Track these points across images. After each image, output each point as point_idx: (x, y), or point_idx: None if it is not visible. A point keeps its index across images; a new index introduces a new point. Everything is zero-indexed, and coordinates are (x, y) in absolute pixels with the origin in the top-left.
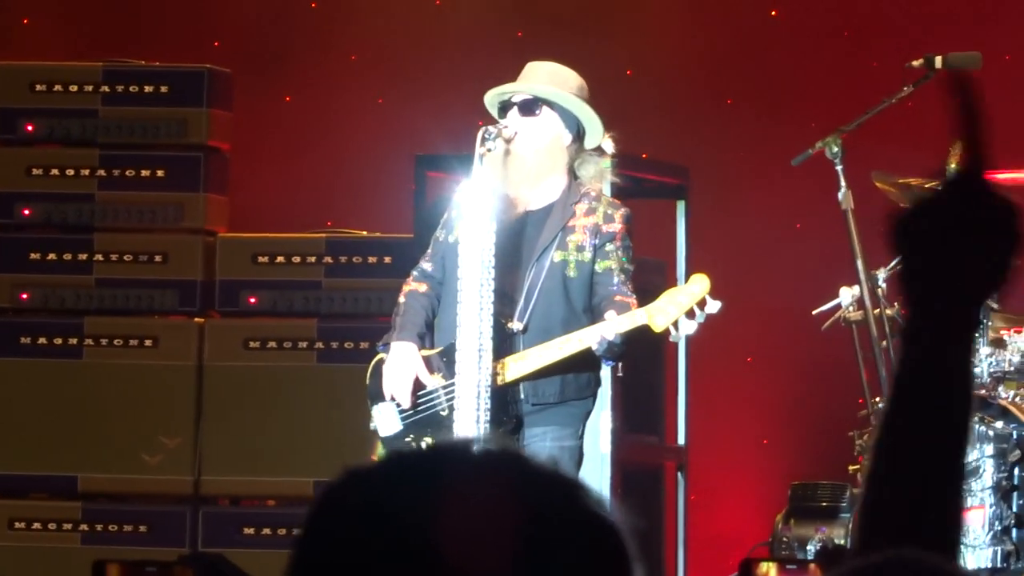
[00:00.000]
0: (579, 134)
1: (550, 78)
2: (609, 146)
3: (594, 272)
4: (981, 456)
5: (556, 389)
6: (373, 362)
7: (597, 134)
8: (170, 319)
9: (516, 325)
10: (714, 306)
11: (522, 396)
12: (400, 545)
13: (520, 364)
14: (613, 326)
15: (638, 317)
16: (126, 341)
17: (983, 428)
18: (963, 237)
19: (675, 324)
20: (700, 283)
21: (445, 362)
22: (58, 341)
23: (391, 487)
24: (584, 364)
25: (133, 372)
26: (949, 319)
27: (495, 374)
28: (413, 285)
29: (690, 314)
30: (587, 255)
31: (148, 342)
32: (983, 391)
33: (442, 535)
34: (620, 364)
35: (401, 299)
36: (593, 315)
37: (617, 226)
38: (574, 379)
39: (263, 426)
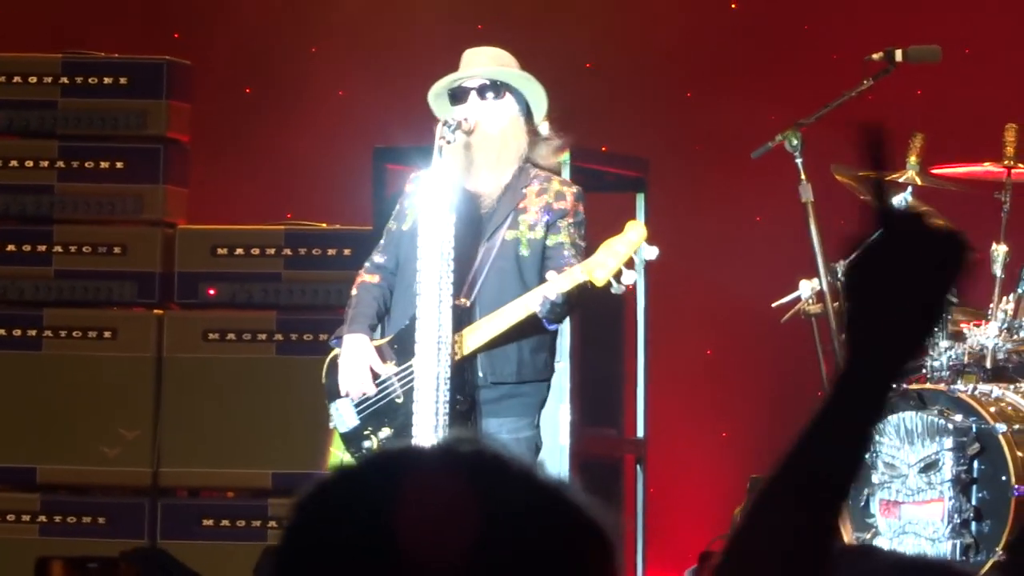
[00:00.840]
0: (529, 115)
1: (498, 60)
2: (544, 127)
3: (545, 247)
4: (940, 449)
5: (513, 368)
6: (329, 358)
7: (542, 112)
8: (129, 311)
9: (465, 302)
10: (651, 252)
11: (480, 375)
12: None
13: (474, 335)
14: (554, 286)
15: (576, 274)
16: (85, 333)
17: (942, 421)
18: (901, 285)
19: (616, 277)
20: (636, 230)
21: (396, 349)
22: (17, 333)
23: (371, 490)
24: (539, 344)
25: (92, 364)
26: (879, 376)
27: (452, 352)
28: (365, 277)
29: (629, 264)
30: (539, 232)
31: (107, 334)
32: (942, 384)
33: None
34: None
35: (353, 291)
36: None
37: (569, 203)
38: (531, 359)
39: (222, 418)
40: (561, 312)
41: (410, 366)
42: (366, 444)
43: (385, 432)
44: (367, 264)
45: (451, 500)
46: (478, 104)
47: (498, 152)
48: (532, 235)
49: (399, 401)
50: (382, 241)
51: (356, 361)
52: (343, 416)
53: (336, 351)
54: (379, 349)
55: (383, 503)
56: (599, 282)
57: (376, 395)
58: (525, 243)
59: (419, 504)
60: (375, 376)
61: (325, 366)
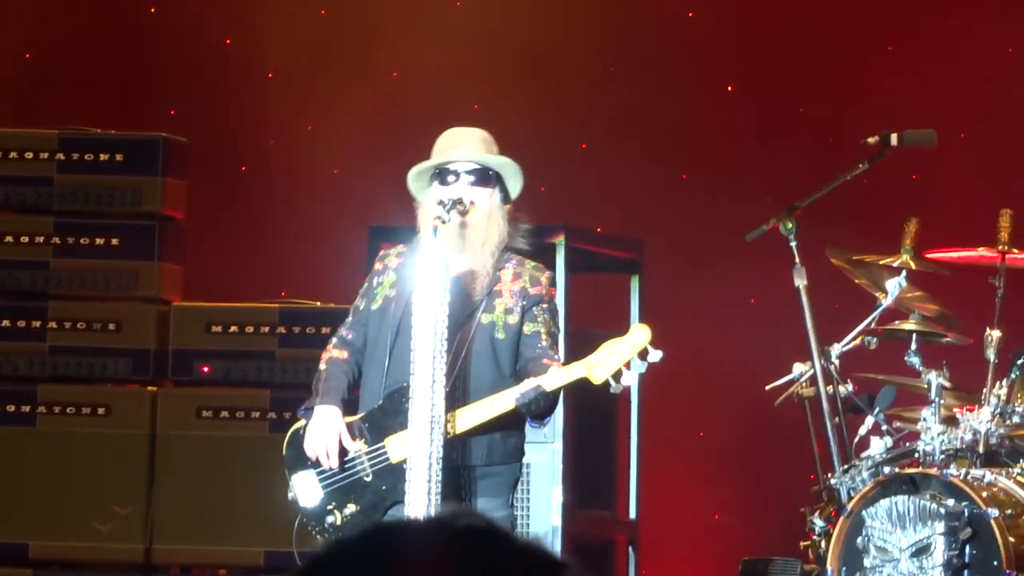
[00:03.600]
0: (507, 196)
1: (488, 146)
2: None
3: (521, 335)
4: (932, 534)
5: (483, 452)
6: (291, 430)
7: (515, 196)
8: (123, 387)
9: (446, 386)
10: (656, 355)
11: (451, 459)
12: None
13: (451, 424)
14: (549, 379)
15: (574, 371)
16: (79, 409)
17: (934, 506)
18: None
19: (616, 377)
20: (641, 333)
21: (368, 427)
22: (11, 408)
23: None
24: (511, 428)
25: (86, 440)
26: None
27: (443, 435)
28: (333, 352)
29: (629, 365)
30: (514, 318)
31: (101, 410)
32: (934, 468)
33: None
34: (542, 426)
35: (322, 366)
36: (518, 378)
37: (544, 289)
38: (501, 442)
39: (215, 495)
40: (543, 409)
41: (382, 447)
42: (329, 520)
43: (350, 509)
44: (334, 340)
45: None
46: (469, 187)
47: (487, 234)
48: (508, 319)
49: (368, 480)
50: (349, 319)
51: (326, 433)
52: (305, 489)
53: (300, 422)
54: (349, 426)
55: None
56: (597, 380)
57: (344, 471)
58: (500, 327)
59: None
60: (343, 452)
61: (287, 437)
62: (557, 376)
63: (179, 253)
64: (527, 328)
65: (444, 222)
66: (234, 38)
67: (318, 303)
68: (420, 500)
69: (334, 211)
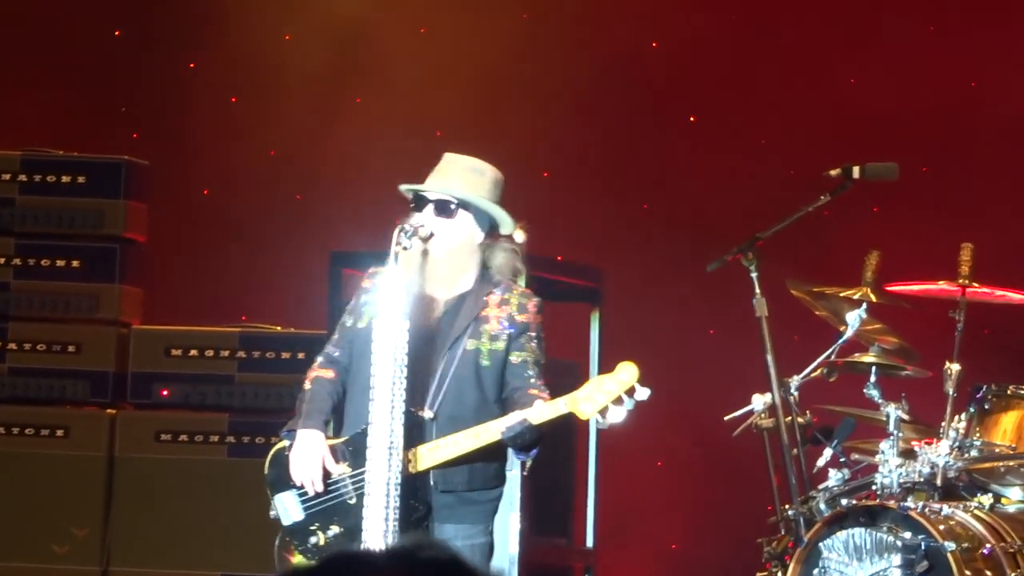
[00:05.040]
0: (491, 228)
1: (466, 176)
2: (519, 236)
3: (508, 363)
4: (889, 566)
5: (464, 478)
6: (273, 450)
7: (508, 228)
8: (82, 409)
9: (427, 413)
10: (643, 393)
11: (432, 483)
12: None
13: (433, 453)
14: (536, 413)
15: (560, 406)
16: (37, 430)
17: (891, 538)
18: None
19: (602, 412)
20: (628, 371)
21: (351, 451)
22: None
23: None
24: (492, 454)
25: (43, 461)
26: None
27: (406, 462)
28: (319, 371)
29: (617, 401)
30: (501, 344)
31: (60, 432)
32: (892, 501)
33: None
34: (527, 463)
35: (307, 385)
36: (504, 407)
37: (531, 317)
38: (482, 468)
39: (172, 518)
40: (529, 442)
41: (365, 471)
42: (312, 540)
43: (334, 530)
44: (320, 358)
45: None
46: (433, 218)
47: (450, 267)
48: (494, 346)
49: (351, 502)
50: (336, 335)
51: (310, 456)
52: (287, 508)
53: (283, 443)
54: (333, 448)
55: None
56: (584, 416)
57: (328, 493)
58: (486, 354)
59: None
60: (327, 474)
61: (270, 456)
62: (543, 410)
63: (140, 276)
64: (514, 357)
65: (405, 248)
66: (198, 62)
67: (278, 328)
68: (377, 526)
69: (296, 236)
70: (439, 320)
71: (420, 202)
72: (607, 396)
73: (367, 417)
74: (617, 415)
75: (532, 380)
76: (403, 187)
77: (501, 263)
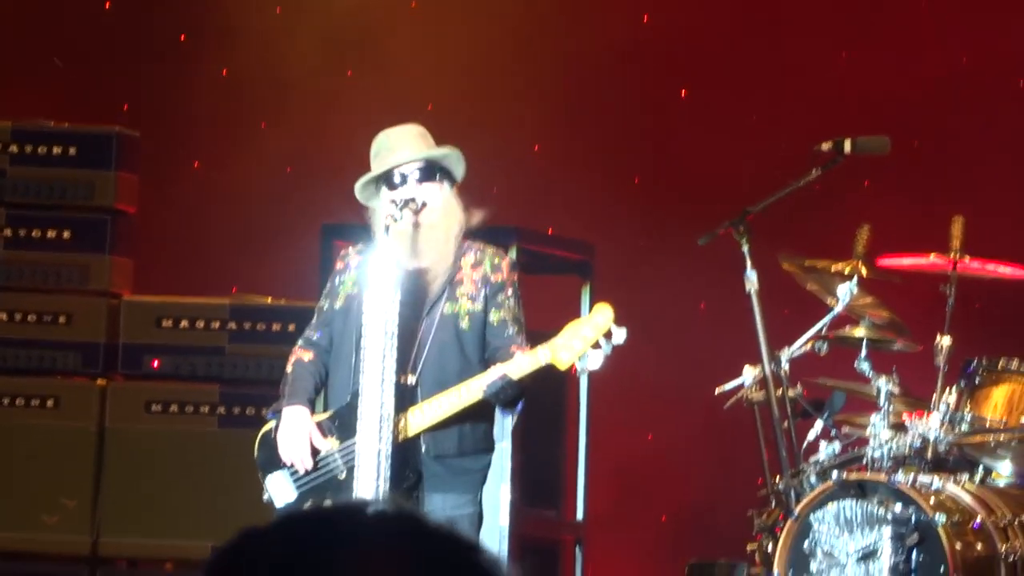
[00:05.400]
0: (453, 182)
1: (426, 140)
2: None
3: (487, 323)
4: (879, 539)
5: (455, 441)
6: (261, 432)
7: (460, 175)
8: (72, 380)
9: (410, 378)
10: (620, 334)
11: (423, 449)
12: None
13: (419, 416)
14: (515, 366)
15: (540, 356)
16: (28, 401)
17: (882, 511)
18: None
19: (581, 359)
20: (603, 313)
21: (337, 425)
22: None
23: (286, 548)
24: (480, 416)
25: (34, 432)
26: None
27: (395, 430)
28: (299, 354)
29: (595, 346)
30: (478, 305)
31: (50, 403)
32: (882, 474)
33: None
34: (515, 415)
35: (289, 368)
36: (487, 366)
37: (505, 275)
38: (471, 431)
39: (163, 489)
40: (512, 396)
41: (353, 443)
42: None
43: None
44: (300, 341)
45: (359, 559)
46: (417, 187)
47: (443, 231)
48: (471, 307)
49: (342, 477)
50: (315, 319)
51: (296, 434)
52: (279, 489)
53: (269, 424)
54: (319, 424)
55: (289, 563)
56: (563, 365)
57: (318, 470)
58: (464, 315)
59: (330, 564)
60: (315, 451)
61: (258, 439)
62: (521, 362)
63: (130, 247)
64: (492, 316)
65: (396, 220)
66: (188, 34)
67: (269, 299)
68: (369, 496)
69: (287, 209)
70: (415, 286)
71: (392, 180)
72: (584, 342)
73: (350, 391)
74: (596, 360)
75: (512, 337)
76: (368, 176)
77: (469, 216)
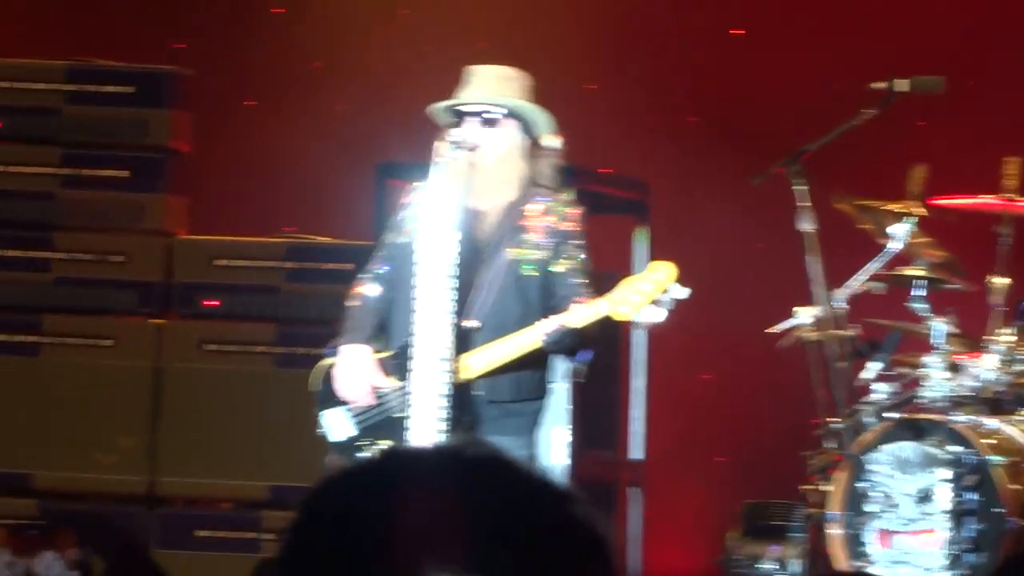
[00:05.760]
0: (531, 134)
1: (503, 85)
2: (556, 141)
3: (552, 272)
4: (935, 480)
5: (510, 387)
6: (319, 367)
7: (547, 130)
8: (128, 319)
9: (471, 323)
10: (681, 292)
11: (478, 394)
12: (375, 548)
13: (477, 360)
14: (574, 316)
15: (600, 307)
16: (84, 340)
17: (938, 452)
18: None
19: (640, 314)
20: (664, 270)
21: (397, 364)
22: (16, 338)
23: (369, 491)
24: (536, 363)
25: (90, 372)
26: None
27: (453, 372)
28: (363, 288)
29: (655, 302)
30: (543, 254)
31: (106, 342)
32: (939, 415)
33: (414, 538)
34: (583, 364)
35: (352, 302)
36: (548, 314)
37: (573, 225)
38: (528, 377)
39: (220, 429)
40: (570, 345)
41: (411, 383)
42: (360, 455)
43: (382, 444)
44: (364, 275)
45: (455, 502)
46: (478, 129)
47: (498, 176)
48: (537, 254)
49: (398, 415)
50: (380, 252)
51: (356, 371)
52: (336, 424)
53: (330, 359)
54: (380, 362)
55: (386, 503)
56: (621, 317)
57: (375, 407)
58: (529, 262)
59: (422, 506)
60: (374, 388)
61: (317, 373)
62: (580, 313)
63: (185, 186)
64: (559, 266)
65: (452, 161)
66: None
67: (325, 238)
68: (424, 437)
69: (341, 148)
70: (481, 230)
71: (460, 116)
72: (644, 296)
73: (412, 330)
74: (655, 315)
75: (576, 288)
76: (440, 105)
77: (542, 170)
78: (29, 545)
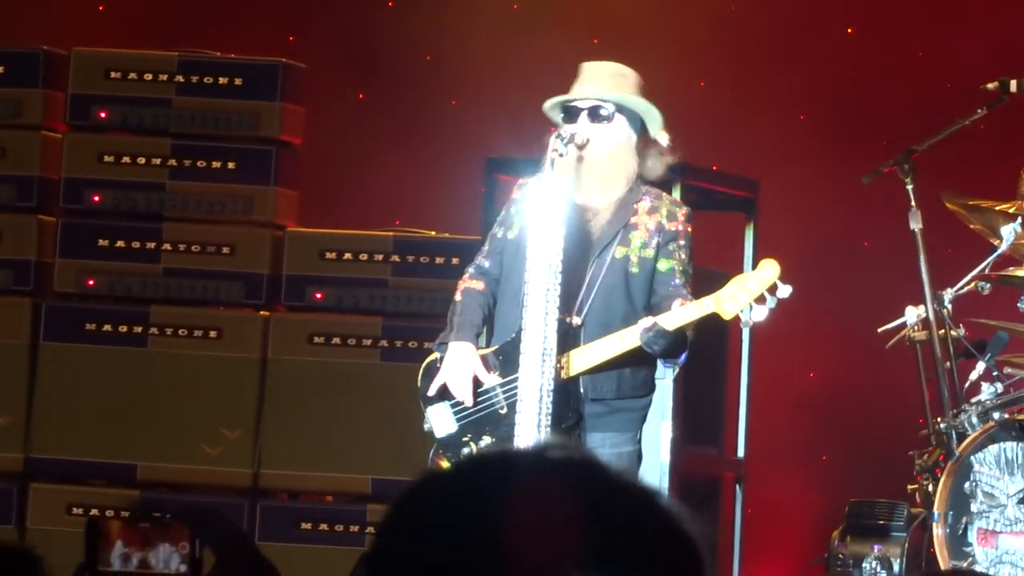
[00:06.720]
0: (643, 131)
1: (615, 81)
2: (665, 138)
3: (656, 271)
4: None
5: (613, 385)
6: (425, 362)
7: (658, 129)
8: (236, 311)
9: (576, 320)
10: (785, 291)
11: (581, 391)
12: (472, 554)
13: (582, 357)
14: (680, 314)
15: (705, 305)
16: (191, 331)
17: None
18: None
19: (746, 311)
20: (770, 268)
21: (501, 360)
22: (123, 329)
23: (466, 495)
24: (641, 361)
25: (197, 363)
26: None
27: (558, 368)
28: (470, 283)
29: (760, 300)
30: (650, 252)
31: (213, 333)
32: None
33: (516, 545)
34: (676, 367)
35: (457, 297)
36: (652, 313)
37: (680, 225)
38: (631, 375)
39: (324, 422)
40: (665, 346)
41: (516, 378)
42: (464, 451)
43: (486, 440)
44: (471, 269)
45: (547, 508)
46: (588, 124)
47: (607, 172)
48: (643, 253)
49: (503, 412)
50: (486, 246)
51: (461, 368)
52: (440, 421)
53: (435, 355)
54: (484, 358)
55: (475, 505)
56: (727, 315)
57: (479, 404)
58: (635, 261)
59: (513, 510)
60: (478, 384)
61: (422, 369)
62: (679, 314)
63: (295, 179)
64: (662, 264)
65: (561, 155)
66: None
67: (432, 233)
68: (529, 433)
69: (451, 142)
70: (590, 227)
71: (571, 112)
72: (749, 295)
73: (517, 325)
74: (760, 313)
75: (679, 288)
76: (552, 101)
77: (652, 167)
78: (143, 537)
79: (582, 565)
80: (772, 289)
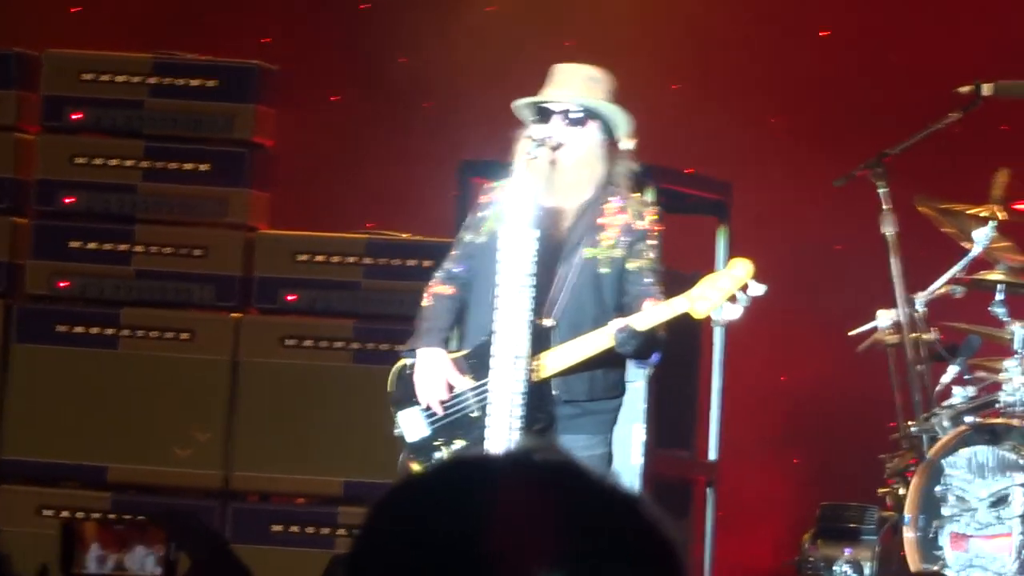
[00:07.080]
0: (612, 136)
1: (589, 86)
2: (630, 143)
3: (625, 270)
4: (1011, 484)
5: (586, 387)
6: (396, 368)
7: (624, 133)
8: (207, 313)
9: (548, 321)
10: (758, 289)
11: (554, 393)
12: (453, 556)
13: (553, 360)
14: (652, 314)
15: (678, 304)
16: (162, 333)
17: (1014, 456)
18: None
19: (718, 310)
20: (742, 267)
21: (473, 364)
22: (95, 331)
23: (446, 498)
24: (612, 363)
25: (168, 365)
26: None
27: (530, 370)
28: (439, 287)
29: (732, 299)
30: (619, 252)
31: (184, 335)
32: (1015, 419)
33: (496, 547)
34: (650, 367)
35: (426, 302)
36: (623, 313)
37: (648, 224)
38: (603, 377)
39: (296, 424)
40: (640, 347)
41: (487, 382)
42: (436, 455)
43: (458, 444)
44: (440, 274)
45: (527, 510)
46: (562, 127)
47: (579, 175)
48: (612, 254)
49: (474, 415)
50: (456, 251)
51: (432, 373)
52: (412, 425)
53: (404, 360)
54: (455, 362)
55: (456, 509)
56: (699, 315)
57: (450, 408)
58: (605, 261)
59: (493, 513)
60: (450, 388)
61: (392, 374)
62: (650, 314)
63: (268, 181)
64: (631, 264)
65: (533, 158)
66: None
67: (405, 235)
68: (501, 436)
69: (424, 144)
70: (559, 228)
71: (544, 113)
72: (722, 293)
73: (489, 329)
74: (733, 312)
75: (648, 287)
76: (524, 101)
77: (620, 170)
78: (119, 539)
79: (562, 567)
80: (744, 288)
